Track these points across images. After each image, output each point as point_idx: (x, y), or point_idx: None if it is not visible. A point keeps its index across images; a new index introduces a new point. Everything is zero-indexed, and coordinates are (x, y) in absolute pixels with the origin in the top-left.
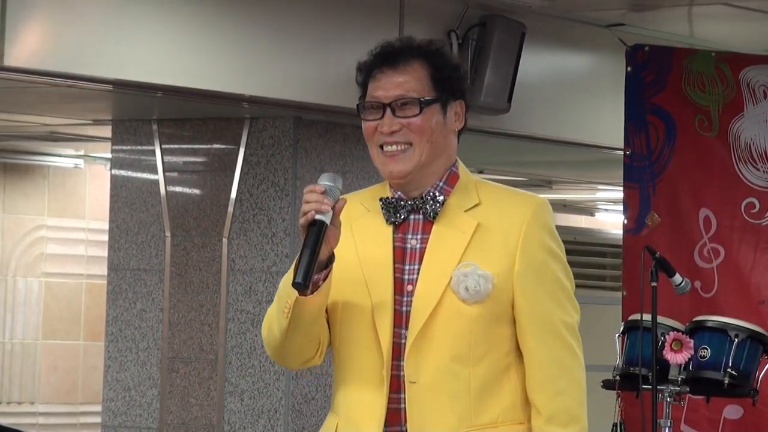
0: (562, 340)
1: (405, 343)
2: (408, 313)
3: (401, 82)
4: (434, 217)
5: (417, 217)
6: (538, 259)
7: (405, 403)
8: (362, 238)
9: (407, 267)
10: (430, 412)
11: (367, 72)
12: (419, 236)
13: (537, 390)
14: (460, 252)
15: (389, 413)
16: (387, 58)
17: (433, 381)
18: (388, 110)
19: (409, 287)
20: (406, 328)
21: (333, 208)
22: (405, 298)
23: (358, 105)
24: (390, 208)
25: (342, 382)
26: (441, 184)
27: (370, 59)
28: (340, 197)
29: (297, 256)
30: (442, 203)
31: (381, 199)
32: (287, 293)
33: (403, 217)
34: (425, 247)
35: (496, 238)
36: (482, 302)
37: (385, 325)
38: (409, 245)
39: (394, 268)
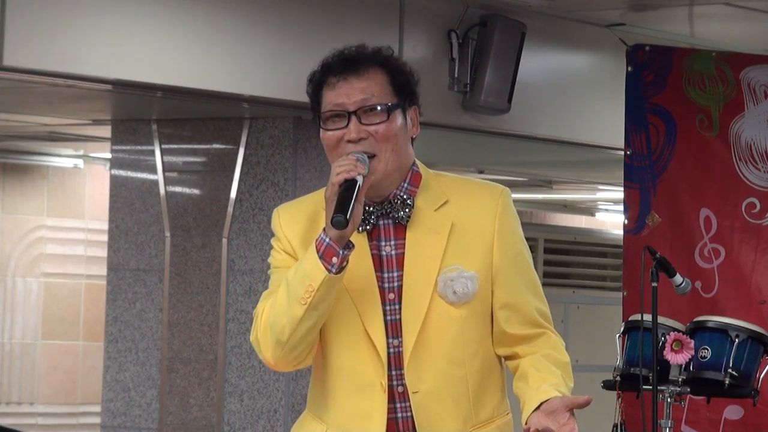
0: (541, 326)
1: (397, 353)
2: (395, 322)
3: (364, 87)
4: (407, 222)
5: (386, 222)
6: (514, 250)
7: (405, 412)
8: None
9: (386, 275)
10: (437, 419)
11: (321, 80)
12: (393, 242)
13: (517, 347)
14: (440, 256)
15: (390, 423)
16: (346, 64)
17: (435, 388)
18: (354, 118)
19: (391, 296)
20: (395, 338)
21: (363, 177)
22: (388, 307)
23: (318, 116)
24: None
25: (333, 390)
26: (405, 185)
27: (326, 67)
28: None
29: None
30: (413, 206)
31: None
32: (306, 277)
33: (372, 223)
34: (402, 253)
35: (471, 235)
36: (470, 302)
37: (379, 336)
38: (384, 252)
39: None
